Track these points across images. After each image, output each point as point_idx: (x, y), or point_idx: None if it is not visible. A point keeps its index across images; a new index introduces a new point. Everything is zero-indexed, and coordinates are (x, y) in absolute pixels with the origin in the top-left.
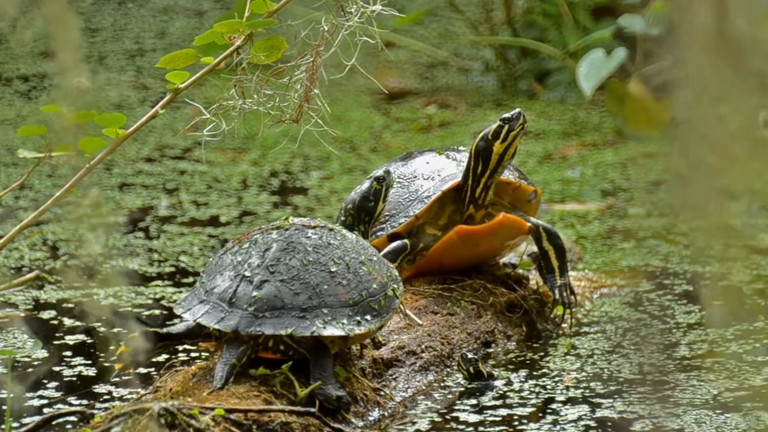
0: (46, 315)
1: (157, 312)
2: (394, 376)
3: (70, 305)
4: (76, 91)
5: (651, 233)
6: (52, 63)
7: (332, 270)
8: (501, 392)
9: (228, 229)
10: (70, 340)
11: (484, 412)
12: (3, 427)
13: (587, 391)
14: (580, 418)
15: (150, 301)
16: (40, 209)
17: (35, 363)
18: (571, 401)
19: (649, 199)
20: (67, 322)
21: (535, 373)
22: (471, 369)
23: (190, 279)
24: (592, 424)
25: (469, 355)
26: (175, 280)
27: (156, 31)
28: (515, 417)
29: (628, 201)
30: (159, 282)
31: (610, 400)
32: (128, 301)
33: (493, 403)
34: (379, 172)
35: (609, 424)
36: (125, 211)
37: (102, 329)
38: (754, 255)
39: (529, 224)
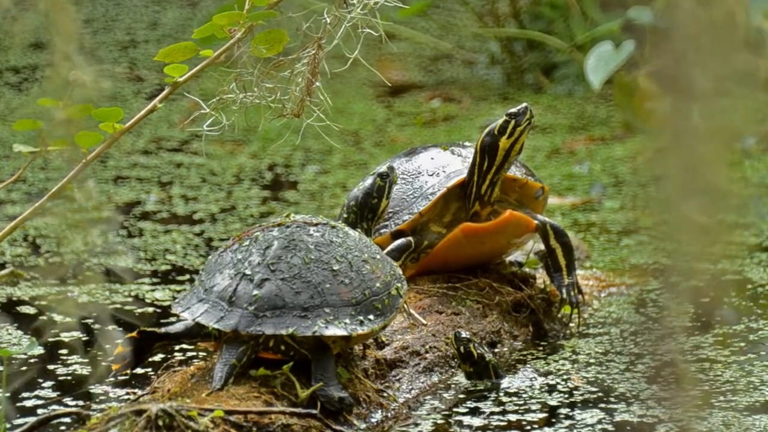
0: (29, 311)
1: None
2: (397, 377)
3: (46, 302)
4: (73, 84)
5: (621, 228)
6: (48, 54)
7: (334, 268)
8: (508, 393)
9: (203, 226)
10: (62, 338)
11: (491, 415)
12: None
13: (600, 393)
14: (599, 422)
15: (129, 299)
16: (36, 204)
17: (29, 361)
18: (584, 404)
19: (633, 194)
20: (57, 319)
21: (542, 374)
22: (462, 348)
23: (167, 277)
24: (611, 428)
25: (462, 334)
26: (155, 278)
27: (148, 22)
28: (524, 422)
29: (611, 196)
30: (137, 280)
31: (626, 404)
32: (105, 298)
33: (500, 405)
34: (383, 168)
35: (629, 428)
36: (112, 206)
37: (96, 327)
38: (757, 252)
39: (536, 222)
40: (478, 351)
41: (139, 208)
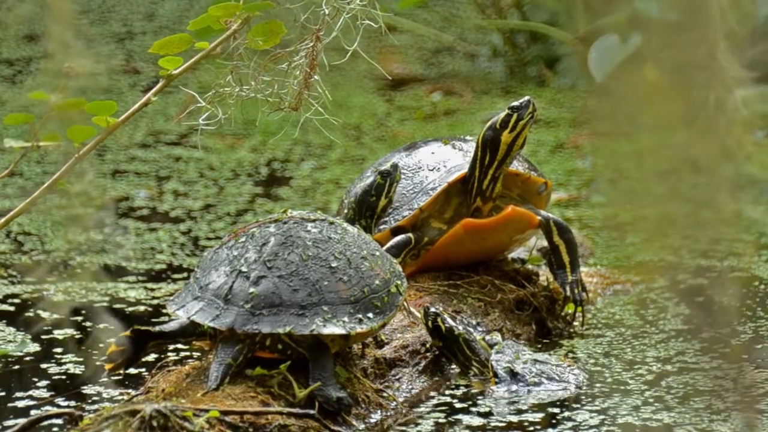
0: (11, 309)
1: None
2: (397, 377)
3: (20, 300)
4: (66, 76)
5: (600, 224)
6: (42, 45)
7: (333, 265)
8: (510, 393)
9: (187, 223)
10: (55, 335)
11: (492, 415)
12: None
13: (603, 394)
14: (602, 423)
15: (107, 298)
16: (28, 200)
17: (21, 360)
18: (586, 406)
19: (626, 189)
20: (45, 316)
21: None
22: (430, 323)
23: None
24: (617, 430)
25: (431, 309)
26: (136, 276)
27: (145, 13)
28: (526, 422)
29: (603, 192)
30: (122, 278)
31: (629, 406)
32: (82, 297)
33: (502, 405)
34: (385, 167)
35: (637, 431)
36: (101, 202)
37: (87, 325)
38: (764, 250)
39: (539, 218)
40: (446, 325)
41: (127, 204)
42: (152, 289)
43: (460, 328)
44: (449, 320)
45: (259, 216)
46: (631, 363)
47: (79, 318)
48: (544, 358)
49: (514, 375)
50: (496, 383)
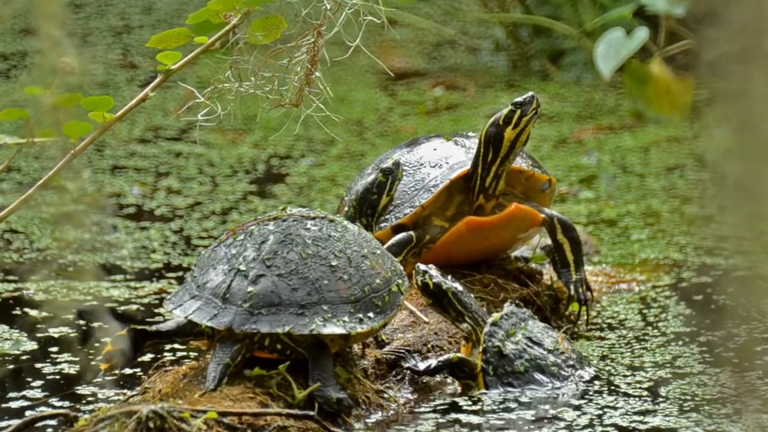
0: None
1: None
2: (398, 378)
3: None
4: (61, 71)
5: (586, 220)
6: (34, 40)
7: (333, 264)
8: (511, 393)
9: (175, 223)
10: (48, 335)
11: (493, 415)
12: None
13: (599, 395)
14: (591, 423)
15: (101, 297)
16: (23, 197)
17: (16, 360)
18: (584, 406)
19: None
20: (39, 315)
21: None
22: (419, 281)
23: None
24: (611, 431)
25: (422, 267)
26: (122, 276)
27: (142, 7)
28: (526, 421)
29: (593, 188)
30: (108, 277)
31: (628, 407)
32: (64, 296)
33: (503, 405)
34: (387, 164)
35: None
36: (94, 199)
37: (82, 324)
38: None
39: (542, 215)
40: (434, 280)
41: (119, 201)
42: (136, 288)
43: (450, 282)
44: (437, 275)
45: (244, 215)
46: (631, 365)
47: (73, 317)
48: (539, 338)
49: (502, 356)
50: (482, 368)
